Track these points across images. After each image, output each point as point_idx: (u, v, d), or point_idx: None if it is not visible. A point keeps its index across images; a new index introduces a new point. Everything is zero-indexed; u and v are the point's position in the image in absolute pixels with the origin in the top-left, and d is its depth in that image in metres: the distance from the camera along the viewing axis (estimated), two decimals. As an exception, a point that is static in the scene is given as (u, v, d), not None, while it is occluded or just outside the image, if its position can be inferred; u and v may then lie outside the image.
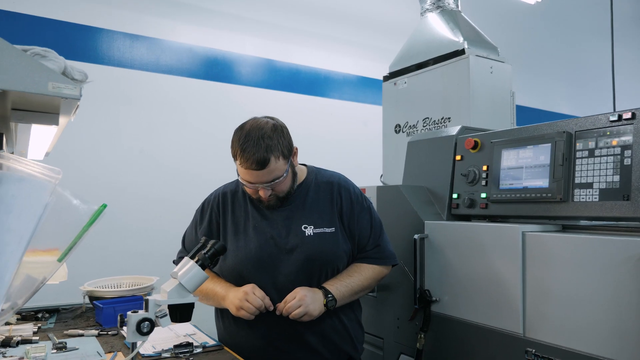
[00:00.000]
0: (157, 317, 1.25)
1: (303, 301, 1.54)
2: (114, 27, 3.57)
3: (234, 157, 1.58)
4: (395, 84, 3.20)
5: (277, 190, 1.62)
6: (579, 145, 1.63)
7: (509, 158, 1.83)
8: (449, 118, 2.78)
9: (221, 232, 1.74)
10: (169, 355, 1.62)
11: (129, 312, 1.23)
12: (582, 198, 1.59)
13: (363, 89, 4.73)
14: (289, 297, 1.58)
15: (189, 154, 3.75)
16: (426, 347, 1.94)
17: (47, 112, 1.23)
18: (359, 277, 1.69)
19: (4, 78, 1.01)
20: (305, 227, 1.66)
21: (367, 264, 1.73)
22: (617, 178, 1.51)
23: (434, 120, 2.86)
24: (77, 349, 1.68)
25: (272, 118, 1.64)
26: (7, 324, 1.94)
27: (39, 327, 1.93)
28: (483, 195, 1.90)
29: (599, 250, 1.42)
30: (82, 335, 1.85)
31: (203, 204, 1.84)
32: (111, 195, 3.31)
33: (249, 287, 1.60)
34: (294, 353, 1.64)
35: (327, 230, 1.67)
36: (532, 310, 1.59)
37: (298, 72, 4.45)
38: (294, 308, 1.54)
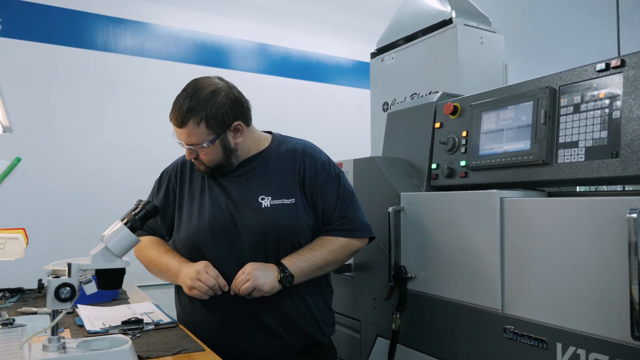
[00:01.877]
0: (81, 283, 1.13)
1: (251, 275, 1.41)
2: (99, 11, 3.47)
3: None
4: (382, 60, 3.05)
5: (202, 159, 1.51)
6: (563, 101, 1.48)
7: (489, 121, 1.68)
8: (437, 92, 2.63)
9: (177, 202, 1.61)
10: (116, 332, 1.50)
11: (49, 278, 1.10)
12: (567, 159, 1.43)
13: (357, 73, 4.59)
14: (239, 272, 1.45)
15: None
16: (402, 327, 1.80)
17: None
18: (321, 250, 1.53)
19: None
20: (263, 199, 1.52)
21: (332, 237, 1.57)
22: (604, 134, 1.35)
23: (422, 96, 2.71)
24: (24, 325, 1.57)
25: (227, 83, 1.50)
26: (-44, 303, 1.83)
27: (-10, 307, 1.82)
28: (462, 163, 1.76)
29: (581, 214, 1.27)
30: (35, 312, 1.73)
31: (161, 174, 1.72)
32: (95, 181, 3.24)
33: (202, 265, 1.47)
34: (251, 333, 1.51)
35: (286, 201, 1.52)
36: (510, 284, 1.44)
37: (290, 57, 4.32)
38: (242, 283, 1.41)
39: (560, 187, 1.68)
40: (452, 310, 1.61)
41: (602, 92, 1.38)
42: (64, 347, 1.09)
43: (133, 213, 1.18)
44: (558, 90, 1.49)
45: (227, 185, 1.55)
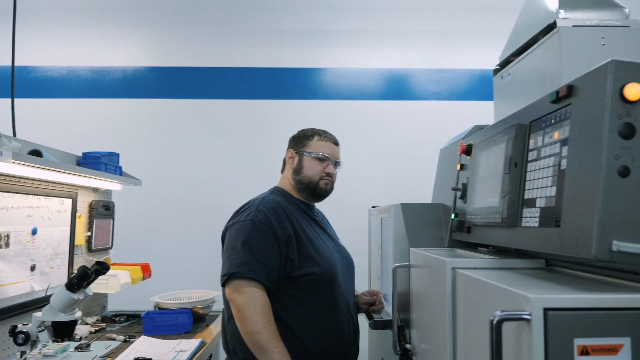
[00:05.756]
0: (38, 331, 1.41)
1: None
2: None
3: (311, 136, 1.85)
4: (502, 77, 2.65)
5: (334, 176, 1.86)
6: (531, 143, 1.10)
7: (487, 163, 1.35)
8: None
9: (302, 241, 1.68)
10: (132, 367, 1.77)
11: (19, 325, 1.42)
12: (528, 222, 1.06)
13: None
14: (377, 299, 1.91)
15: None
16: (412, 406, 1.56)
17: None
18: None
19: None
20: (337, 238, 1.95)
21: None
22: (554, 191, 0.96)
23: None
24: (91, 350, 1.98)
25: None
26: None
27: (100, 328, 2.33)
28: (467, 216, 1.44)
29: (490, 300, 0.93)
30: (113, 339, 2.15)
31: (268, 223, 1.63)
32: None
33: None
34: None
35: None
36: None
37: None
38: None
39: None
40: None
41: (556, 132, 0.98)
42: (22, 381, 1.38)
43: (71, 276, 1.41)
44: (528, 127, 1.12)
45: (320, 224, 1.88)
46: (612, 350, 0.77)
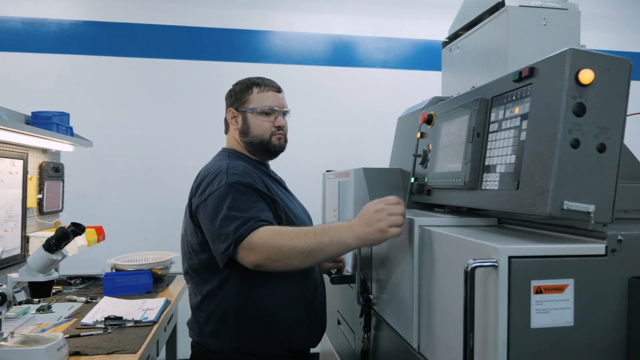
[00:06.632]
0: (14, 292, 1.42)
1: None
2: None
3: (249, 89, 1.65)
4: (450, 50, 2.80)
5: (285, 128, 1.69)
6: (492, 116, 1.24)
7: (448, 133, 1.49)
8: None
9: (278, 202, 1.59)
10: (102, 326, 1.80)
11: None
12: (488, 185, 1.21)
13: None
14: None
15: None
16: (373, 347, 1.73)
17: None
18: None
19: None
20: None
21: None
22: (513, 159, 1.11)
23: (476, 90, 2.44)
24: (53, 312, 1.99)
25: None
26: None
27: (57, 291, 2.32)
28: (427, 180, 1.59)
29: (458, 252, 1.08)
30: (74, 300, 2.16)
31: (248, 184, 1.50)
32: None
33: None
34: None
35: None
36: (424, 323, 1.30)
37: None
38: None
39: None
40: (388, 337, 1.50)
41: (517, 107, 1.13)
42: (-2, 341, 1.40)
43: (49, 237, 1.43)
44: (490, 102, 1.26)
45: (281, 183, 1.80)
46: (560, 289, 0.94)
